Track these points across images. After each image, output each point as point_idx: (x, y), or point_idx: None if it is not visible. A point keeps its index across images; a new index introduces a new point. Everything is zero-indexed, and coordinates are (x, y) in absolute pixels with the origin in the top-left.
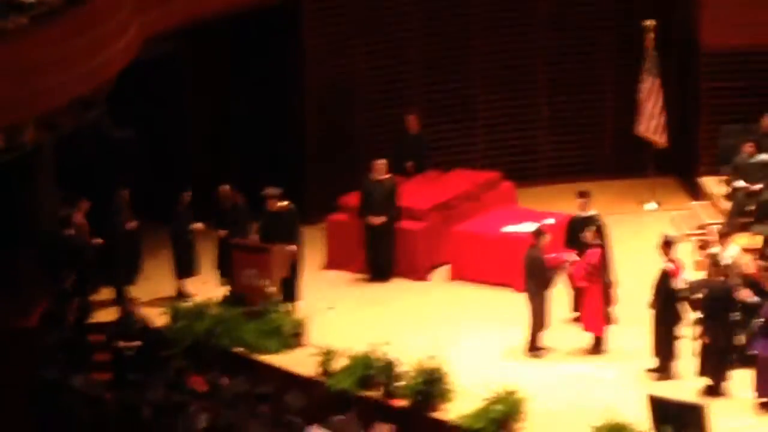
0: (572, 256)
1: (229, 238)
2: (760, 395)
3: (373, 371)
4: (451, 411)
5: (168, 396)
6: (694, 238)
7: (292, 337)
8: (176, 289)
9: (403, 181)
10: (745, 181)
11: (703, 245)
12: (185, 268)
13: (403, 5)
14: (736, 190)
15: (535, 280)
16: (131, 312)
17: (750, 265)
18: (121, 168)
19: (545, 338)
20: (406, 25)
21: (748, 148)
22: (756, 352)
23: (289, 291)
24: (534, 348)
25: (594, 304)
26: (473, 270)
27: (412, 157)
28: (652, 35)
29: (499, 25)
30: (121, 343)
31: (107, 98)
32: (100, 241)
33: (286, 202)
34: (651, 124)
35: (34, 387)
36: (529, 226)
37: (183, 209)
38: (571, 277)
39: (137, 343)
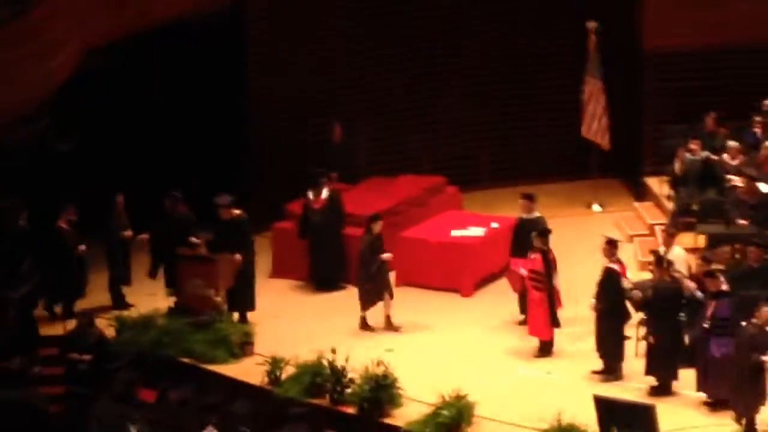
0: (523, 270)
1: (174, 248)
2: (709, 395)
3: (320, 379)
4: (400, 417)
5: (114, 408)
6: (637, 239)
7: (240, 347)
8: (113, 300)
9: (349, 189)
10: (689, 180)
11: (653, 248)
12: (122, 275)
13: (348, 12)
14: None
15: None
16: (87, 324)
17: (693, 265)
18: (64, 180)
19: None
20: (350, 32)
21: (692, 146)
22: (716, 354)
23: (236, 300)
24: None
25: (539, 309)
26: (420, 275)
27: (336, 167)
28: (594, 37)
29: (440, 29)
30: (74, 356)
31: (51, 111)
32: (83, 248)
33: (238, 211)
34: (593, 126)
35: None
36: (475, 230)
37: (118, 214)
38: (512, 283)
39: (89, 356)
